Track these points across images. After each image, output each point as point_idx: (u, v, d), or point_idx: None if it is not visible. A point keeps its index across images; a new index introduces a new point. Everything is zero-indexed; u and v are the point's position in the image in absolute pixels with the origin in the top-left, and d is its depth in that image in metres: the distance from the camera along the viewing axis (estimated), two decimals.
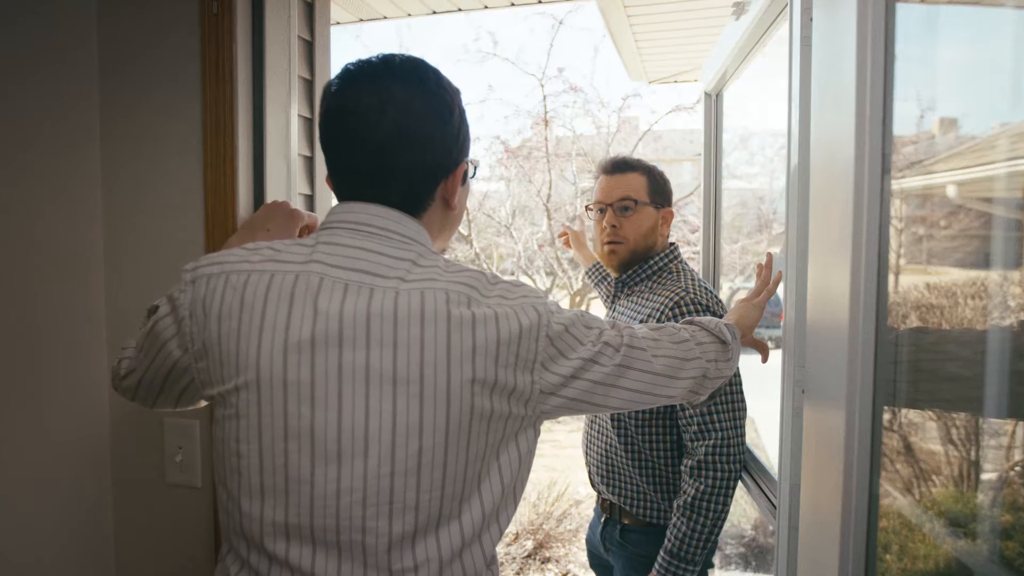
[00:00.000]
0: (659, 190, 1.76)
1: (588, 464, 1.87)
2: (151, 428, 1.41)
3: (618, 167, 1.77)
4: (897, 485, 0.93)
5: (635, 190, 1.73)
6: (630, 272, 1.77)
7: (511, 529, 4.12)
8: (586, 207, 1.85)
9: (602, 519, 1.84)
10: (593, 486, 1.88)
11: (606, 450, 1.78)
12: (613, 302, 1.86)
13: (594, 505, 1.98)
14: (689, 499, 1.58)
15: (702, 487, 1.57)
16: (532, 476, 0.97)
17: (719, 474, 1.56)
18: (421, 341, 0.83)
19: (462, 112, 0.95)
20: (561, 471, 5.26)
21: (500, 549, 3.92)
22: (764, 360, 1.33)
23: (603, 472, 1.80)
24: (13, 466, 1.27)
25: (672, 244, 1.81)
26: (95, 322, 1.40)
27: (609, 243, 1.73)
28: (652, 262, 1.76)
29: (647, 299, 1.71)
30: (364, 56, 0.92)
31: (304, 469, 0.84)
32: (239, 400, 0.85)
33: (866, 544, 0.90)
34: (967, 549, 0.79)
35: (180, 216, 1.36)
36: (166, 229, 1.37)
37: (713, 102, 2.27)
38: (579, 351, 0.90)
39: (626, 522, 1.76)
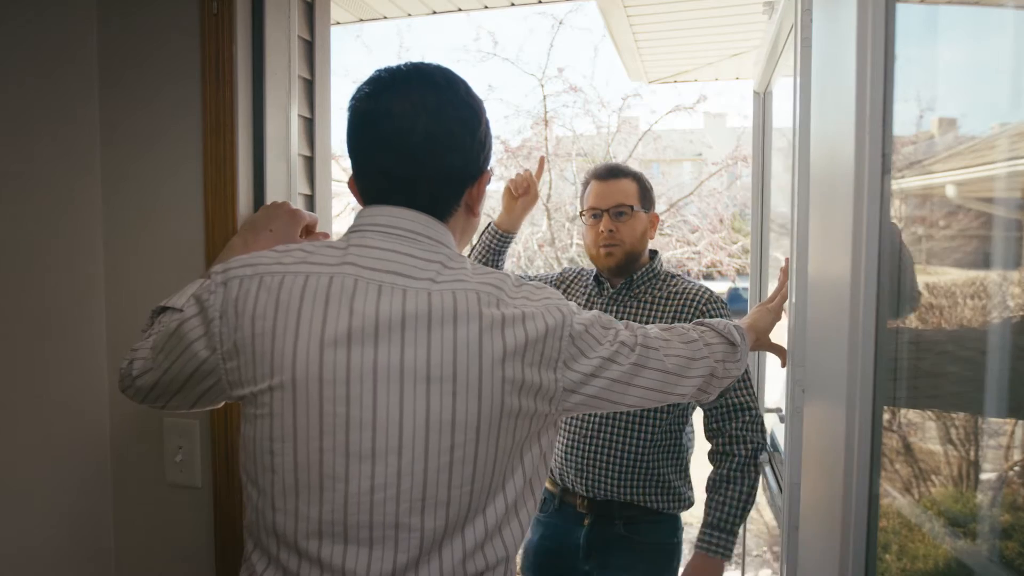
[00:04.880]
0: (647, 196, 1.87)
1: (591, 473, 1.80)
2: (151, 428, 1.41)
3: (611, 173, 1.85)
4: (897, 485, 0.93)
5: (628, 195, 1.82)
6: (634, 278, 1.83)
7: None
8: (580, 213, 1.91)
9: (584, 522, 1.81)
10: (571, 493, 1.83)
11: (625, 452, 1.77)
12: (606, 307, 1.85)
13: (544, 515, 1.90)
14: (727, 471, 1.70)
15: (738, 458, 1.70)
16: None
17: (751, 445, 1.69)
18: (454, 340, 0.85)
19: (487, 122, 0.98)
20: None
21: None
22: (783, 364, 1.33)
23: (627, 474, 1.77)
24: (13, 466, 1.27)
25: (653, 250, 1.91)
26: (95, 322, 1.40)
27: (606, 246, 1.80)
28: (649, 267, 1.85)
29: (660, 302, 1.81)
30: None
31: (339, 466, 0.86)
32: (273, 399, 0.87)
33: (866, 544, 0.90)
34: (967, 549, 0.79)
35: (180, 216, 1.36)
36: (166, 229, 1.37)
37: (761, 101, 2.27)
38: (598, 350, 0.93)
39: (631, 514, 1.78)
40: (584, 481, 1.81)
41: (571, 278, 1.99)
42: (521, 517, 0.94)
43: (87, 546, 1.41)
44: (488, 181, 1.02)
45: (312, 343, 0.86)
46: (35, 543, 1.31)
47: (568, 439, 1.85)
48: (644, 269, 1.84)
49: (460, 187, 0.96)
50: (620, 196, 1.81)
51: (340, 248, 0.91)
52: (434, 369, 0.85)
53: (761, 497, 1.83)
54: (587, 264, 2.02)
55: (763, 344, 1.31)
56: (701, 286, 1.80)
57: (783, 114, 2.08)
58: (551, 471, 1.88)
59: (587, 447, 1.81)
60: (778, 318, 1.33)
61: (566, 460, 1.85)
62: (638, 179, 1.86)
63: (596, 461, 1.80)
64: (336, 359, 0.85)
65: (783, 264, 1.42)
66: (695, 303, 1.75)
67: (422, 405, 0.85)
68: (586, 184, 1.91)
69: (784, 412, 1.92)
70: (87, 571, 1.41)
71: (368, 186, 0.95)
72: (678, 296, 1.79)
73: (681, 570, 1.76)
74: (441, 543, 0.88)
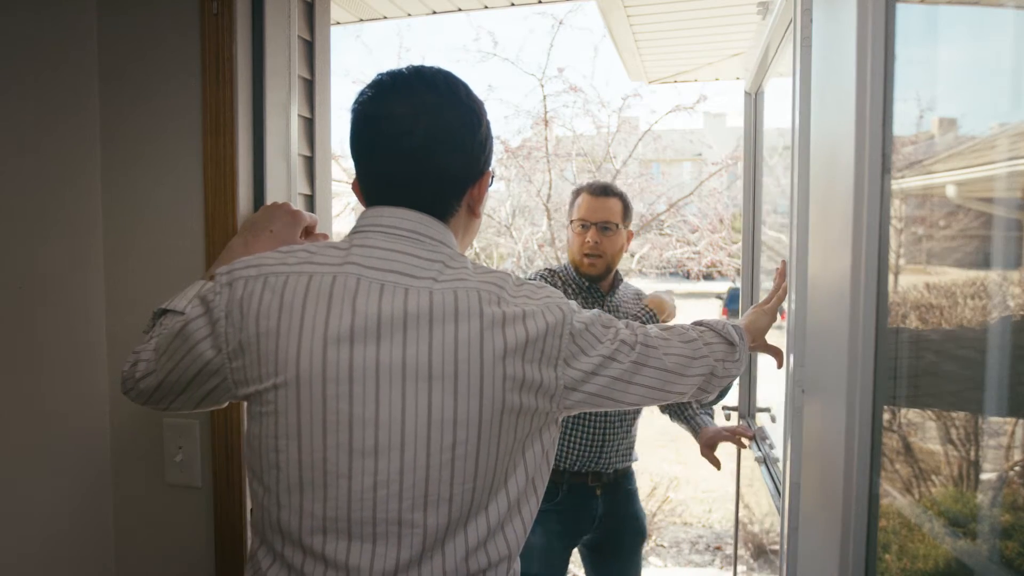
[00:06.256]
0: (628, 214, 2.16)
1: (611, 453, 2.10)
2: (151, 428, 1.41)
3: (603, 191, 2.12)
4: (897, 485, 0.93)
5: (615, 214, 2.10)
6: (618, 291, 2.18)
7: None
8: (570, 221, 2.16)
9: (597, 493, 2.11)
10: (581, 475, 2.09)
11: (632, 426, 2.14)
12: (603, 308, 2.13)
13: (552, 504, 2.10)
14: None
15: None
16: None
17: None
18: (455, 338, 0.87)
19: (488, 124, 0.99)
20: None
21: None
22: (779, 366, 1.34)
23: (626, 447, 2.14)
24: (13, 466, 1.27)
25: None
26: (95, 322, 1.40)
27: (589, 255, 2.08)
28: (621, 278, 2.21)
29: (626, 301, 2.19)
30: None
31: (342, 463, 0.87)
32: (277, 398, 0.88)
33: (866, 544, 0.90)
34: (967, 549, 0.79)
35: (180, 216, 1.36)
36: (166, 229, 1.37)
37: (752, 101, 2.28)
38: (598, 348, 0.94)
39: (628, 472, 2.20)
40: (602, 461, 2.09)
41: (551, 280, 2.17)
42: (524, 515, 0.95)
43: (87, 546, 1.41)
44: (490, 182, 1.03)
45: (315, 341, 0.87)
46: (35, 543, 1.31)
47: (585, 427, 2.09)
48: (621, 285, 2.19)
49: (461, 188, 0.97)
50: (608, 213, 2.08)
51: (343, 248, 0.93)
52: (435, 367, 0.86)
53: (761, 497, 1.84)
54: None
55: (759, 345, 1.32)
56: (638, 292, 2.26)
57: (775, 114, 2.09)
58: (560, 461, 2.08)
59: (606, 430, 2.08)
60: (774, 319, 1.33)
61: (584, 446, 2.09)
62: (623, 199, 2.13)
63: (614, 440, 2.09)
64: (339, 357, 0.86)
65: (779, 266, 1.42)
66: (640, 298, 2.20)
67: (424, 402, 0.86)
68: (576, 195, 2.16)
69: (774, 412, 1.97)
70: (87, 571, 1.41)
71: (371, 188, 0.96)
72: (633, 295, 2.21)
73: (704, 439, 2.11)
74: (444, 540, 0.89)
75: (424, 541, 0.88)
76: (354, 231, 0.95)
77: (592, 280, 2.12)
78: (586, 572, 2.29)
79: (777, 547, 1.72)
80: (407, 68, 0.96)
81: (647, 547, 4.19)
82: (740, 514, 2.52)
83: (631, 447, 2.18)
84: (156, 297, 1.23)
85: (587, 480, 2.10)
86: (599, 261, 2.08)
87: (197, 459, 1.39)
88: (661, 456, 5.64)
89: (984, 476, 0.78)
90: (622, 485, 2.17)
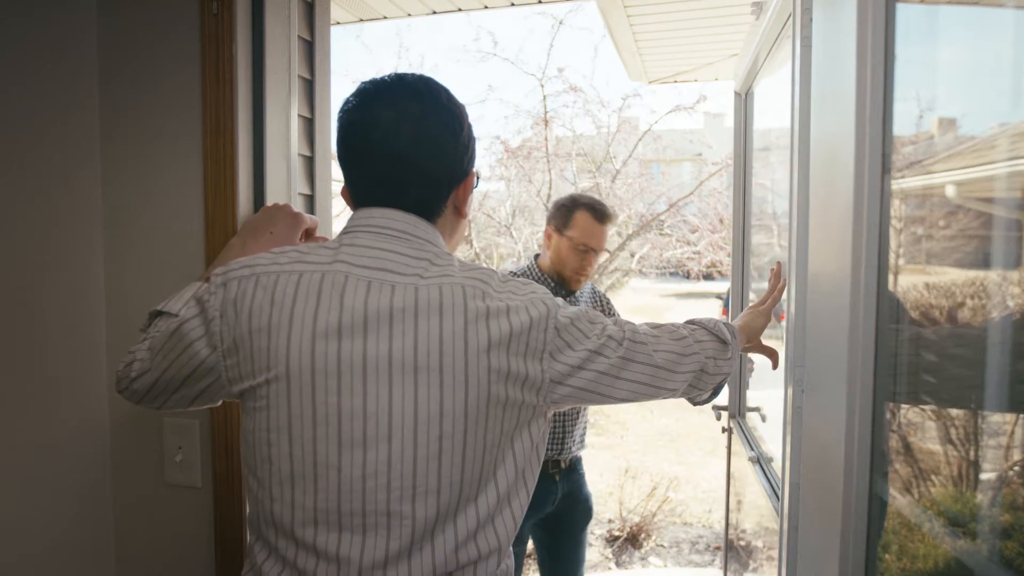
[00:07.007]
0: None
1: (571, 444, 2.27)
2: (151, 428, 1.41)
3: (609, 218, 2.23)
4: (897, 485, 0.93)
5: (608, 242, 2.27)
6: (573, 297, 2.29)
7: None
8: (567, 236, 2.19)
9: (557, 479, 2.25)
10: (561, 465, 2.26)
11: (585, 416, 2.34)
12: None
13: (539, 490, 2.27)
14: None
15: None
16: None
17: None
18: (440, 332, 0.89)
19: (470, 126, 1.02)
20: None
21: None
22: (775, 366, 1.34)
23: (581, 435, 2.33)
24: (13, 467, 1.27)
25: None
26: (95, 322, 1.40)
27: (582, 276, 2.22)
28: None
29: (583, 299, 2.33)
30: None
31: (332, 455, 0.89)
32: (269, 392, 0.91)
33: (866, 544, 0.90)
34: (967, 549, 0.79)
35: (180, 216, 1.36)
36: (166, 229, 1.37)
37: (743, 101, 2.28)
38: (584, 343, 0.96)
39: (576, 462, 2.35)
40: (564, 452, 2.25)
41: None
42: (514, 508, 0.96)
43: (87, 546, 1.41)
44: (474, 183, 1.05)
45: (304, 336, 0.89)
46: (35, 543, 1.31)
47: (563, 428, 2.24)
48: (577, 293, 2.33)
49: (446, 189, 1.00)
50: (606, 242, 2.24)
51: (332, 248, 0.95)
52: (421, 359, 0.88)
53: (755, 497, 1.84)
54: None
55: (755, 346, 1.32)
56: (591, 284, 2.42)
57: (765, 115, 2.09)
58: None
59: (566, 421, 2.23)
60: (769, 320, 1.34)
61: (549, 438, 2.17)
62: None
63: (574, 431, 2.26)
64: (327, 351, 0.89)
65: (774, 267, 1.42)
66: (596, 295, 2.38)
67: (410, 395, 0.88)
68: (574, 209, 2.19)
69: (764, 412, 1.97)
70: (87, 571, 1.41)
71: (359, 191, 0.99)
72: (589, 291, 2.36)
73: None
74: (433, 531, 0.90)
75: (413, 532, 0.89)
76: (344, 231, 0.98)
77: (560, 283, 2.27)
78: (536, 551, 2.44)
79: (772, 547, 1.72)
80: (389, 76, 0.99)
81: (647, 546, 4.20)
82: (731, 514, 2.52)
83: (584, 435, 2.37)
84: (156, 297, 1.23)
85: (547, 468, 2.23)
86: (585, 280, 2.24)
87: (197, 459, 1.39)
88: (661, 456, 5.64)
89: (984, 476, 0.78)
90: (576, 469, 2.34)
